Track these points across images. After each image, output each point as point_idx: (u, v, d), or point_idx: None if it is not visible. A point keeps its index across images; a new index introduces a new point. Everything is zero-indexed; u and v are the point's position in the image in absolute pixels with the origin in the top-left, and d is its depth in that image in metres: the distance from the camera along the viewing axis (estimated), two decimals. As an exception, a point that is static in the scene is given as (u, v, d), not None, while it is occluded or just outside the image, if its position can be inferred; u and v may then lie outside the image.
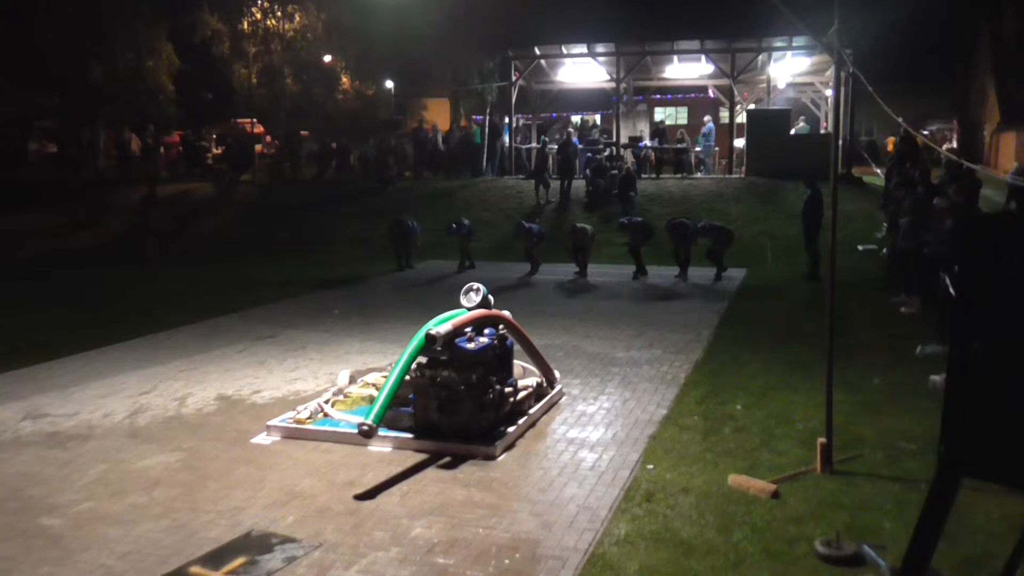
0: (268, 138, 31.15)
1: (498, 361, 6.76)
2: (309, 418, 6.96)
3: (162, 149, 28.63)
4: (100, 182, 25.46)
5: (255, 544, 4.95)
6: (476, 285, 6.85)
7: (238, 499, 5.59)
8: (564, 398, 7.70)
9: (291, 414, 7.03)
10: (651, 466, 6.06)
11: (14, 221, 21.38)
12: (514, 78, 24.85)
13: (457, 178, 24.05)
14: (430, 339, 6.48)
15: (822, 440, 5.86)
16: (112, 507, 5.50)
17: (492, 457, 6.24)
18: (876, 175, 22.66)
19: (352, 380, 7.85)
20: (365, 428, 6.12)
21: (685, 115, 30.55)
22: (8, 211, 21.80)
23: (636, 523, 5.15)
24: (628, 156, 22.94)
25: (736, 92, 24.30)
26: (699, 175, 23.16)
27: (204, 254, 18.50)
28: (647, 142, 24.50)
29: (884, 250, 12.55)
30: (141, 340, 10.41)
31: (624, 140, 24.10)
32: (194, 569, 4.66)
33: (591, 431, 6.87)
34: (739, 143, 23.90)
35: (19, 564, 4.74)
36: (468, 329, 6.86)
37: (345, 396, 7.47)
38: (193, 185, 25.31)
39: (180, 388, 8.23)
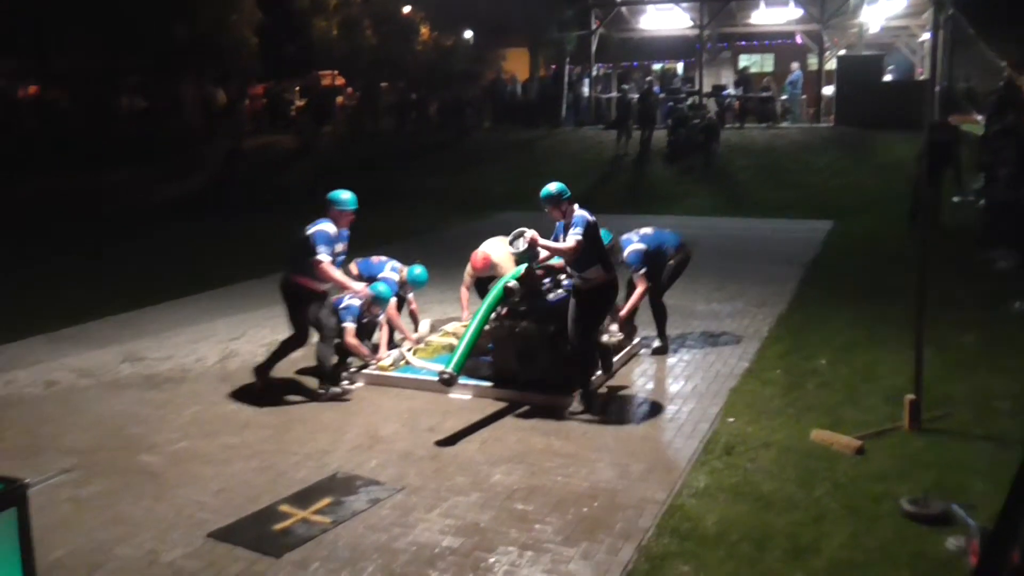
0: (349, 90, 31.37)
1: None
2: (392, 365, 7.09)
3: (247, 102, 29.14)
4: (187, 136, 26.09)
5: (340, 485, 5.11)
6: (525, 230, 6.37)
7: (323, 442, 5.76)
8: (644, 350, 7.67)
9: (385, 361, 7.17)
10: (731, 419, 6.02)
11: (105, 175, 22.14)
12: (594, 26, 24.42)
13: (535, 128, 23.89)
14: (508, 292, 6.52)
15: (910, 397, 5.71)
16: (206, 447, 5.74)
17: (569, 407, 6.27)
18: (975, 123, 21.68)
19: (433, 329, 7.97)
20: (445, 376, 6.21)
21: (771, 62, 29.58)
22: (99, 166, 22.57)
23: (715, 476, 5.14)
24: (711, 105, 22.41)
25: (825, 38, 23.41)
26: (785, 124, 22.48)
27: (287, 205, 18.87)
28: (731, 91, 23.87)
29: (981, 202, 12.06)
30: (228, 289, 10.74)
31: (707, 89, 23.53)
32: (283, 507, 4.84)
33: (670, 383, 6.84)
34: (827, 91, 23.07)
35: (122, 498, 5.00)
36: (547, 280, 6.87)
37: (426, 344, 7.59)
38: (276, 138, 25.75)
39: (267, 335, 8.48)
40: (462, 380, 6.45)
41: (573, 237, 6.00)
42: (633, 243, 7.43)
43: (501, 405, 6.37)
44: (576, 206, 6.21)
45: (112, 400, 6.73)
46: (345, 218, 6.71)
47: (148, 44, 25.77)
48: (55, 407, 6.58)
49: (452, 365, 6.31)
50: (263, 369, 6.83)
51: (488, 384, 6.62)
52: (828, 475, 5.09)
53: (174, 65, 26.81)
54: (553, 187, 6.20)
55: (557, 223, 6.31)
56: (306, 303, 6.60)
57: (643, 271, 7.33)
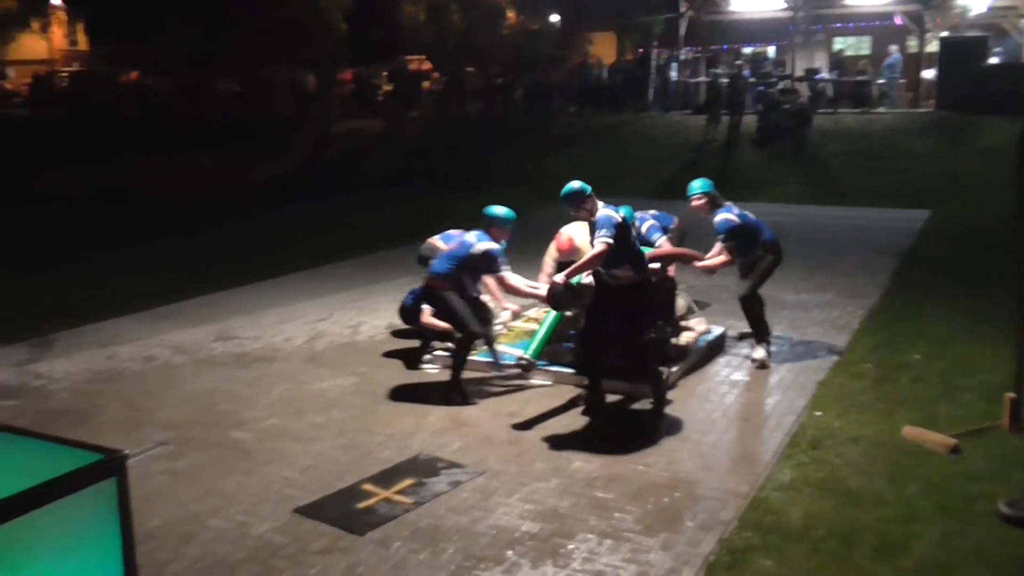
0: (435, 75, 31.61)
1: (661, 301, 6.68)
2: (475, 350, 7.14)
3: (336, 88, 29.64)
4: (277, 121, 26.71)
5: (423, 467, 5.18)
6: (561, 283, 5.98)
7: (407, 424, 5.85)
8: (728, 340, 7.54)
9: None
10: (819, 413, 5.87)
11: (199, 159, 22.84)
12: (683, 9, 24.01)
13: (621, 113, 23.66)
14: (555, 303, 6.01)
15: (1011, 395, 5.47)
16: (294, 424, 5.89)
17: (646, 396, 6.20)
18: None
19: (515, 315, 7.99)
20: (524, 362, 6.22)
21: (868, 45, 28.57)
22: (193, 149, 23.29)
23: (801, 470, 5.02)
24: (803, 90, 21.80)
25: (927, 19, 22.49)
26: (881, 110, 21.73)
27: (373, 190, 19.18)
28: (825, 74, 23.18)
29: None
30: (315, 271, 10.97)
31: (799, 73, 22.89)
32: (367, 486, 4.93)
33: (755, 374, 6.71)
34: (927, 74, 22.19)
35: (213, 471, 5.18)
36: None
37: (508, 330, 7.62)
38: (364, 122, 26.15)
39: (353, 316, 8.64)
40: (544, 366, 6.46)
41: (601, 241, 5.60)
42: (726, 213, 6.95)
43: (582, 392, 6.35)
44: (601, 204, 5.82)
45: (205, 377, 6.96)
46: (505, 235, 6.52)
47: (241, 29, 26.40)
48: (152, 382, 6.85)
49: (531, 351, 6.32)
50: (455, 382, 6.36)
51: (569, 371, 6.60)
52: (920, 473, 4.92)
53: (266, 50, 27.43)
54: (574, 185, 5.85)
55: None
56: (448, 300, 6.36)
57: (731, 243, 6.88)
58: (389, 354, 7.40)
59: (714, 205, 6.95)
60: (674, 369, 6.60)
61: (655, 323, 6.52)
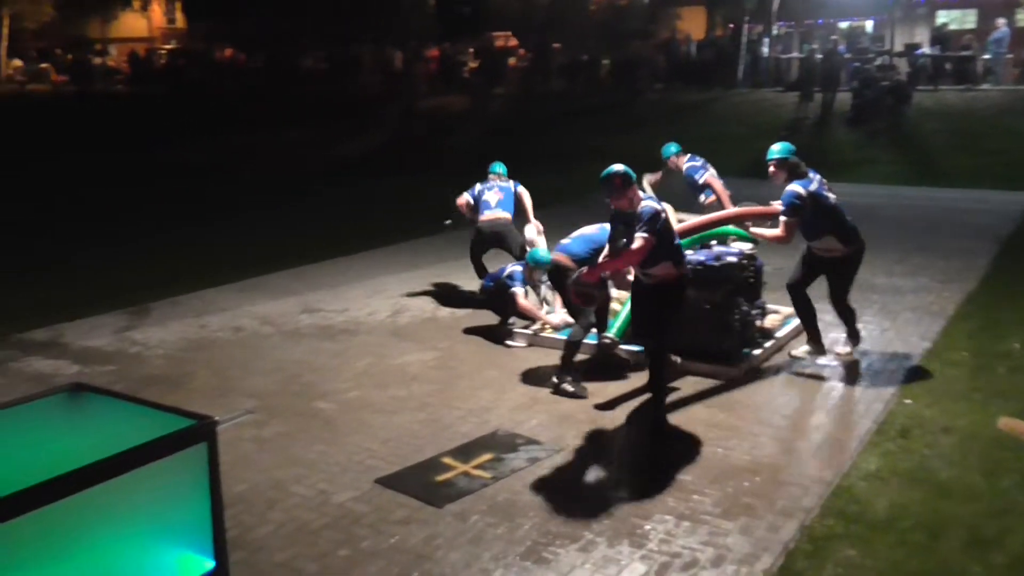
0: (521, 51, 31.55)
1: (747, 281, 6.56)
2: (554, 328, 7.14)
3: (422, 64, 29.87)
4: (364, 97, 27.04)
5: (501, 443, 5.22)
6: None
7: (486, 399, 5.90)
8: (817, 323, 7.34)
9: (536, 325, 7.22)
10: (909, 401, 5.68)
11: (286, 135, 23.31)
12: (776, -18, 23.34)
13: (709, 90, 23.20)
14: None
15: (1118, 388, 5.20)
16: (376, 397, 6.00)
17: (735, 379, 6.12)
18: None
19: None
20: (606, 341, 6.19)
21: (973, 18, 27.29)
22: (281, 125, 23.78)
23: (888, 459, 4.88)
24: (902, 66, 20.97)
25: (1038, -10, 21.35)
26: (986, 86, 20.75)
27: (458, 166, 19.27)
28: (925, 49, 22.24)
29: None
30: (400, 246, 11.11)
31: (899, 48, 22.02)
32: (446, 460, 5.00)
33: (842, 359, 6.53)
34: (1037, 49, 21.09)
35: (298, 440, 5.32)
36: (714, 243, 6.69)
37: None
38: (449, 99, 26.27)
39: (436, 291, 8.73)
40: (625, 346, 6.41)
41: (641, 236, 5.10)
42: (797, 186, 6.13)
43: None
44: (642, 193, 5.36)
45: (291, 348, 7.15)
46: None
47: (330, 7, 26.81)
48: (241, 351, 7.07)
49: (613, 330, 6.28)
50: (566, 369, 6.05)
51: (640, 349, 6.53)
52: (1016, 466, 4.73)
53: (354, 28, 27.80)
54: (617, 168, 5.27)
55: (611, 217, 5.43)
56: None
57: (792, 219, 6.05)
58: (470, 330, 7.46)
59: (793, 175, 6.16)
60: (757, 352, 6.48)
61: (739, 304, 6.40)
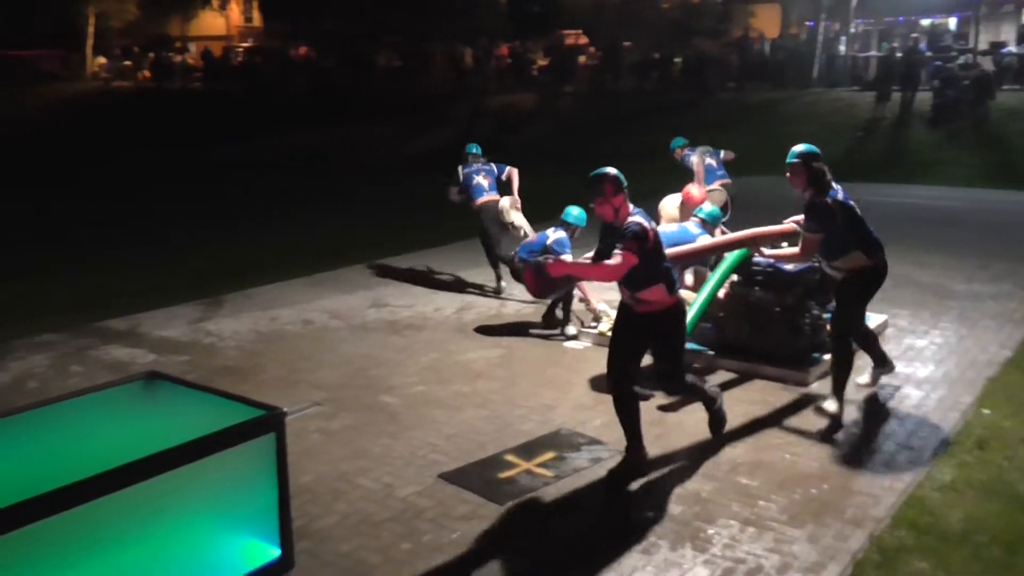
0: (591, 49, 31.39)
1: (818, 284, 6.41)
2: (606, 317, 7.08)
3: (492, 62, 29.96)
4: (434, 94, 27.23)
5: (563, 442, 5.21)
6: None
7: (549, 398, 5.89)
8: (889, 330, 7.16)
9: (603, 325, 7.18)
10: (987, 411, 5.49)
11: (360, 131, 23.62)
12: (855, -21, 22.78)
13: (783, 89, 22.76)
14: None
15: None
16: (440, 392, 6.04)
17: (804, 384, 5.99)
18: None
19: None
20: None
21: (1062, 16, 26.25)
22: (355, 121, 24.11)
23: (964, 470, 4.72)
24: (987, 64, 20.26)
25: None
26: (1075, 86, 19.94)
27: (525, 164, 19.27)
28: (1012, 48, 21.45)
29: None
30: (466, 243, 11.13)
31: (983, 46, 21.29)
32: (508, 457, 5.01)
33: (918, 367, 6.34)
34: None
35: (364, 433, 5.39)
36: (784, 244, 6.55)
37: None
38: (518, 97, 26.30)
39: (503, 289, 8.75)
40: (690, 347, 6.33)
41: (621, 253, 4.50)
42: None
43: (730, 376, 6.21)
44: (632, 207, 4.72)
45: (359, 342, 7.24)
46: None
47: (404, 5, 27.08)
48: (310, 345, 7.19)
49: None
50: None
51: (711, 352, 6.45)
52: (1102, 483, 4.53)
53: (427, 25, 28.03)
54: (608, 170, 4.73)
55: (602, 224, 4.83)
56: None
57: (818, 235, 5.24)
58: (534, 328, 7.46)
59: (815, 183, 5.25)
60: (827, 357, 6.32)
61: (810, 307, 6.27)
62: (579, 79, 27.52)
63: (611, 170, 4.74)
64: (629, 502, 4.47)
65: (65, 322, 7.81)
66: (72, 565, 3.39)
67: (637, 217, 4.66)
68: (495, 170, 8.65)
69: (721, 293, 6.43)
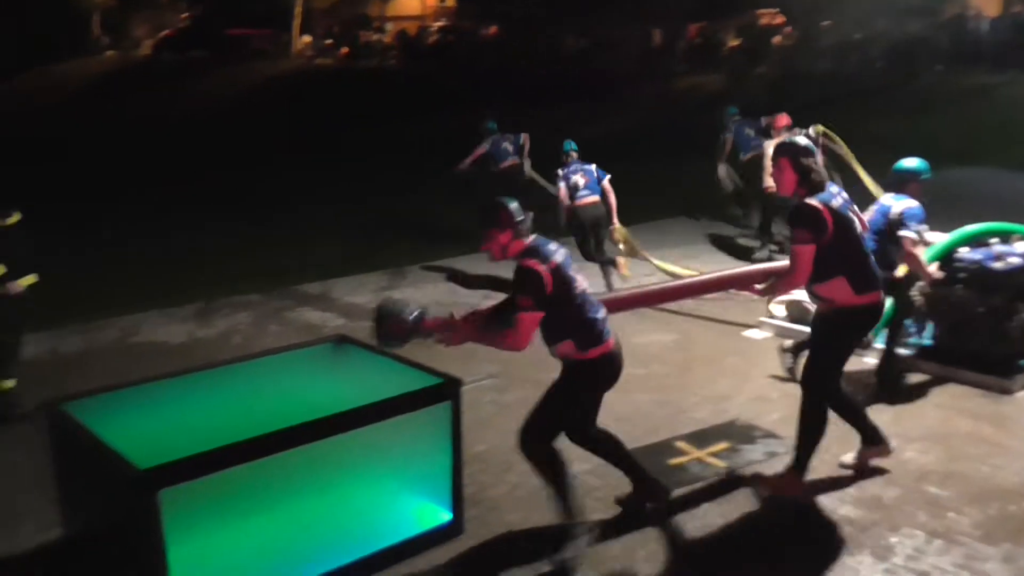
0: (787, 29, 30.10)
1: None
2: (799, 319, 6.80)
3: (680, 43, 29.34)
4: (620, 76, 26.93)
5: (738, 433, 5.07)
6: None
7: (724, 387, 5.74)
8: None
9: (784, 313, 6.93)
10: None
11: (544, 114, 23.72)
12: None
13: (1001, 73, 20.93)
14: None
15: None
16: (613, 374, 6.01)
17: (1008, 391, 5.54)
18: None
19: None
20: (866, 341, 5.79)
21: None
22: (540, 104, 24.23)
23: None
24: None
25: None
26: None
27: (709, 148, 18.76)
28: None
29: None
30: (645, 226, 11.00)
31: None
32: (680, 444, 4.93)
33: None
34: None
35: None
36: (994, 240, 6.05)
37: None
38: (706, 79, 25.63)
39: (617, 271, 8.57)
40: (878, 345, 5.99)
41: (520, 309, 3.72)
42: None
43: (923, 378, 5.83)
44: (532, 239, 3.84)
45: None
46: (919, 189, 5.54)
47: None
48: (488, 318, 7.34)
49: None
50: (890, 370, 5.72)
51: (907, 353, 6.06)
52: None
53: (616, 6, 27.77)
54: (505, 203, 3.84)
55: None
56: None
57: (810, 246, 4.08)
58: (713, 315, 7.29)
59: (806, 182, 4.15)
60: None
61: (1020, 311, 5.77)
62: (772, 60, 26.46)
63: (504, 203, 3.85)
64: (805, 501, 4.29)
65: (266, 284, 8.40)
66: (266, 509, 3.65)
67: (532, 259, 3.72)
68: (594, 172, 8.28)
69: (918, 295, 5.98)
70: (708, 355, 6.38)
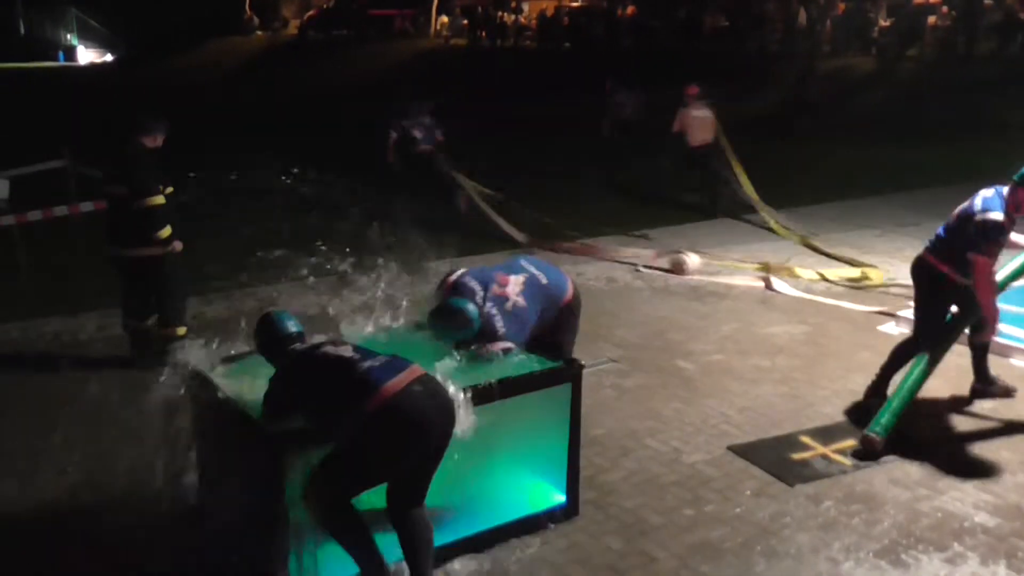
0: (944, 8, 28.37)
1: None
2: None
3: (828, 23, 28.12)
4: (763, 56, 26.10)
5: (867, 431, 4.89)
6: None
7: (856, 382, 5.54)
8: None
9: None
10: None
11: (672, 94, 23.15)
12: None
13: None
14: None
15: None
16: (737, 364, 5.92)
17: None
18: None
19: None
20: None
21: None
22: (679, 82, 23.71)
23: None
24: None
25: None
26: None
27: (854, 131, 17.99)
28: None
29: None
30: (785, 212, 10.70)
31: None
32: (804, 438, 4.81)
33: None
34: None
35: (656, 394, 5.43)
36: None
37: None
38: (854, 60, 24.51)
39: (812, 263, 8.34)
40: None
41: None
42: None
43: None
44: (469, 278, 4.19)
45: (659, 304, 7.27)
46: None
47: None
48: (612, 302, 7.33)
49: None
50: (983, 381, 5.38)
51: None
52: None
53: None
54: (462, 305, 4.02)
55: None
56: (946, 299, 5.08)
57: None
58: (845, 308, 7.04)
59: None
60: None
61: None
62: (926, 42, 25.03)
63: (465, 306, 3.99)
64: (935, 504, 4.11)
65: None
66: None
67: (468, 294, 4.08)
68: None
69: None
70: (839, 349, 6.17)
